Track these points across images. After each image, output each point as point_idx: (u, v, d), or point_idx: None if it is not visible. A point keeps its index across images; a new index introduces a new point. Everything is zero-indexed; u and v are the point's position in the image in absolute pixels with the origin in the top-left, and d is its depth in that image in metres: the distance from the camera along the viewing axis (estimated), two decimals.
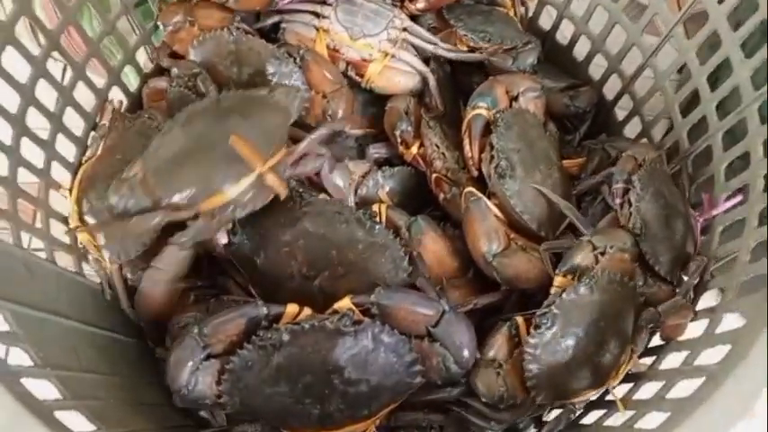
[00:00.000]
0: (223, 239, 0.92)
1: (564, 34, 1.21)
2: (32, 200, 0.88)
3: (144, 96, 1.05)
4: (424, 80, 1.10)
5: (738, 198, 0.89)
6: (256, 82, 1.01)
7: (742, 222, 0.86)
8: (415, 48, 1.12)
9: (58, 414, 0.61)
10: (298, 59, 1.02)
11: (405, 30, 1.10)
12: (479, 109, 0.98)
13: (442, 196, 1.01)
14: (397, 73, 1.10)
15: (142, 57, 1.09)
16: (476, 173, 0.97)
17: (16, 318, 0.69)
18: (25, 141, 0.86)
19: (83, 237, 0.91)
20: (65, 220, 0.92)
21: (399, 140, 1.04)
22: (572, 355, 0.81)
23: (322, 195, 0.97)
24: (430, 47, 1.12)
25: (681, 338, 0.85)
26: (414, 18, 1.13)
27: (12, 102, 0.84)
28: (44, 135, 0.91)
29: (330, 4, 1.09)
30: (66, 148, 0.95)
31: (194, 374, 0.76)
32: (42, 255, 0.86)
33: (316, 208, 0.93)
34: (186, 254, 0.87)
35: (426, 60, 1.12)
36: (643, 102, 1.11)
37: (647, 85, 1.08)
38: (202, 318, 0.89)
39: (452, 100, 1.15)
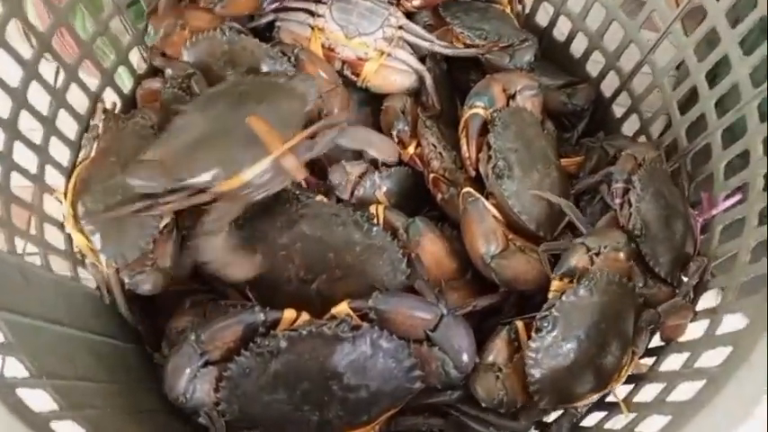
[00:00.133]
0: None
1: (561, 31, 1.21)
2: (26, 205, 0.86)
3: (138, 97, 1.04)
4: (421, 79, 1.10)
5: (737, 197, 0.89)
6: None
7: (742, 221, 0.85)
8: (411, 46, 1.11)
9: (54, 425, 0.60)
10: (292, 58, 1.01)
11: (400, 28, 1.09)
12: (476, 108, 0.98)
13: (439, 196, 1.01)
14: (393, 72, 1.09)
15: (135, 57, 1.07)
16: (473, 173, 0.97)
17: (11, 327, 0.68)
18: (18, 146, 0.85)
19: (79, 240, 0.90)
20: (60, 225, 0.91)
21: (396, 140, 1.04)
22: (574, 359, 0.80)
23: (319, 197, 0.96)
24: (426, 44, 1.11)
25: (681, 339, 0.85)
26: (410, 15, 1.12)
27: (3, 106, 0.83)
28: (37, 139, 0.89)
29: (325, 3, 1.08)
30: (60, 152, 0.94)
31: (192, 382, 0.75)
32: (37, 261, 0.85)
33: (312, 210, 0.93)
34: (223, 235, 0.85)
35: (422, 58, 1.12)
36: (641, 99, 1.10)
37: (645, 81, 1.08)
38: (200, 322, 0.89)
39: (449, 98, 1.14)
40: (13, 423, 0.55)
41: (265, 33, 1.12)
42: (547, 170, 0.96)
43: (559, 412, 0.85)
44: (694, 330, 0.83)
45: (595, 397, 0.82)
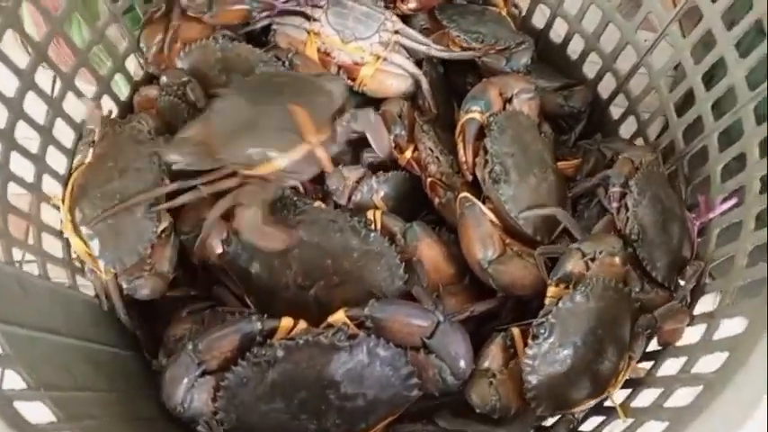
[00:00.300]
0: (218, 249, 0.92)
1: (558, 33, 1.20)
2: (24, 215, 0.87)
3: (135, 105, 1.04)
4: (417, 83, 1.10)
5: (734, 201, 0.89)
6: None
7: (739, 225, 0.85)
8: (408, 50, 1.11)
9: None
10: (286, 63, 1.01)
11: (396, 32, 1.09)
12: (473, 113, 0.98)
13: (437, 201, 1.01)
14: (389, 76, 1.09)
15: (132, 64, 1.07)
16: (470, 177, 0.97)
17: (8, 338, 0.68)
18: (14, 156, 0.85)
19: (77, 246, 0.90)
20: (58, 233, 0.91)
21: (393, 145, 1.04)
22: (571, 365, 0.80)
23: (317, 203, 0.96)
24: (422, 48, 1.11)
25: (678, 344, 0.85)
26: (406, 19, 1.12)
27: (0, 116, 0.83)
28: (34, 148, 0.89)
29: (321, 7, 1.08)
30: (57, 161, 0.94)
31: (190, 392, 0.75)
32: (35, 270, 0.85)
33: (310, 216, 0.93)
34: (258, 208, 0.86)
35: (419, 62, 1.12)
36: (638, 101, 1.10)
37: (642, 83, 1.08)
38: (198, 329, 0.89)
39: (446, 101, 1.14)
40: None
41: (261, 38, 1.12)
42: (543, 174, 0.96)
43: (556, 418, 0.84)
44: (691, 335, 0.83)
45: (592, 402, 0.82)
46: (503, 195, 0.91)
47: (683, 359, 0.80)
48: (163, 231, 0.91)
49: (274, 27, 1.10)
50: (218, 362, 0.77)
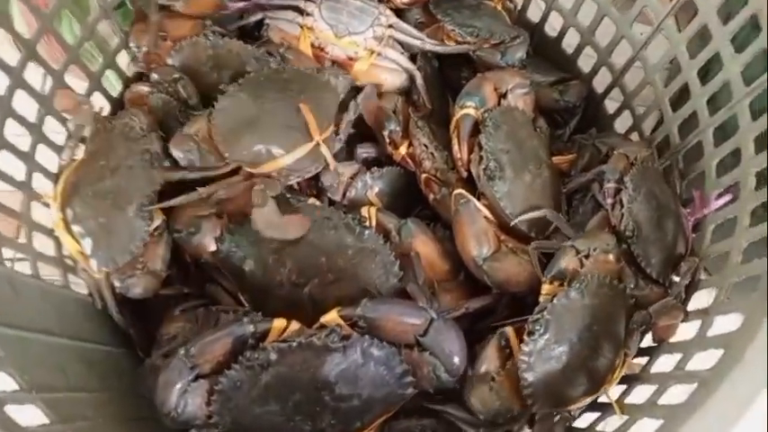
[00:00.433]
0: (211, 246, 0.91)
1: (553, 27, 1.20)
2: (14, 214, 0.86)
3: (126, 102, 1.03)
4: (412, 78, 1.09)
5: (728, 197, 0.88)
6: None
7: (733, 221, 0.85)
8: (402, 44, 1.10)
9: None
10: (279, 58, 1.01)
11: (390, 26, 1.08)
12: (467, 108, 0.97)
13: (431, 197, 1.00)
14: (383, 71, 1.08)
15: (124, 60, 1.06)
16: (465, 174, 0.96)
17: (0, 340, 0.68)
18: (4, 154, 0.85)
19: (69, 245, 0.89)
20: (49, 232, 0.90)
21: (388, 140, 1.03)
22: (567, 362, 0.80)
23: (311, 200, 0.96)
24: (417, 43, 1.10)
25: (673, 340, 0.84)
26: (400, 13, 1.12)
27: None
28: (24, 146, 0.89)
29: (314, 1, 1.07)
30: (48, 159, 0.93)
31: (183, 397, 0.75)
32: (27, 270, 0.84)
33: (304, 213, 0.92)
34: (270, 205, 0.87)
35: (413, 57, 1.11)
36: (633, 95, 1.09)
37: (637, 77, 1.07)
38: (191, 328, 0.89)
39: (440, 96, 1.14)
40: None
41: (254, 33, 1.11)
42: (538, 170, 0.95)
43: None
44: (686, 331, 0.83)
45: (589, 400, 0.81)
46: (498, 192, 0.91)
47: (677, 356, 0.80)
48: (155, 230, 0.90)
49: (267, 22, 1.10)
50: (211, 366, 0.77)
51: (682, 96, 0.99)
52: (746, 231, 0.82)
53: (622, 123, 1.15)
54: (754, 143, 0.85)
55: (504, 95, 1.01)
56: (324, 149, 0.92)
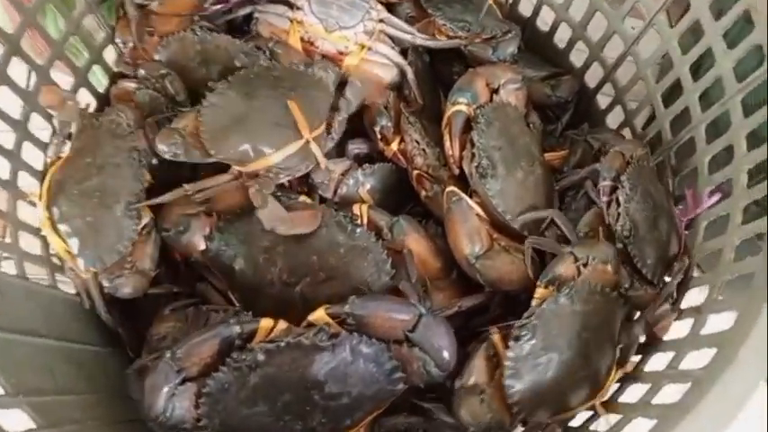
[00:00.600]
0: (200, 245, 0.90)
1: (544, 21, 1.19)
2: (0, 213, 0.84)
3: (112, 98, 1.01)
4: (403, 73, 1.08)
5: (719, 195, 0.88)
6: None
7: (726, 218, 0.84)
8: (393, 39, 1.09)
9: None
10: (267, 53, 0.99)
11: (381, 21, 1.07)
12: (459, 105, 0.96)
13: (423, 193, 1.00)
14: (374, 66, 1.07)
15: (111, 55, 1.05)
16: (457, 171, 0.95)
17: None
18: None
19: (56, 244, 0.88)
20: (35, 231, 0.89)
21: (379, 136, 1.02)
22: (555, 369, 0.78)
23: (302, 198, 0.95)
24: (408, 37, 1.09)
25: (666, 338, 0.84)
26: (391, 7, 1.10)
27: None
28: (9, 144, 0.87)
29: None
30: (33, 157, 0.91)
31: (171, 400, 0.74)
32: (13, 270, 0.83)
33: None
34: (272, 204, 0.86)
35: (404, 51, 1.10)
36: (625, 90, 1.09)
37: (629, 72, 1.07)
38: (181, 328, 0.88)
39: (432, 91, 1.13)
40: None
41: (243, 27, 1.10)
42: (531, 168, 0.95)
43: None
44: (679, 329, 0.83)
45: (579, 409, 0.80)
46: (490, 190, 0.90)
47: (670, 354, 0.80)
48: (143, 228, 0.89)
49: (256, 16, 1.08)
50: (198, 368, 0.76)
51: (674, 92, 0.99)
52: (739, 229, 0.82)
53: (614, 119, 1.14)
54: (747, 140, 0.84)
55: (496, 91, 1.00)
56: (314, 148, 0.90)
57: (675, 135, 0.99)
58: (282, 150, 0.88)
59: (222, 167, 0.90)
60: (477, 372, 0.81)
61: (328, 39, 1.05)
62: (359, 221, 0.92)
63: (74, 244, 0.86)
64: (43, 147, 0.93)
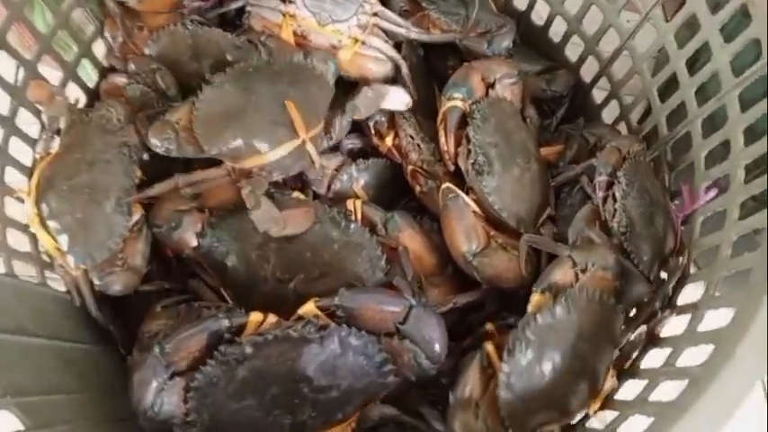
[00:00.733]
0: (192, 241, 0.89)
1: (539, 15, 1.18)
2: None
3: (102, 93, 1.00)
4: (397, 67, 1.06)
5: (715, 191, 0.87)
6: None
7: (723, 214, 0.84)
8: (387, 33, 1.08)
9: None
10: (260, 47, 0.98)
11: (375, 14, 1.06)
12: (455, 100, 0.95)
13: (418, 189, 0.99)
14: (367, 60, 1.06)
15: (100, 49, 1.03)
16: (452, 167, 0.94)
17: None
18: None
19: (45, 242, 0.86)
20: (24, 228, 0.87)
21: (373, 131, 1.01)
22: (550, 381, 0.76)
23: (295, 194, 0.93)
24: (402, 31, 1.07)
25: (663, 335, 0.84)
26: (384, 1, 1.09)
27: None
28: None
29: None
30: (22, 152, 0.90)
31: (159, 395, 0.73)
32: (1, 269, 0.82)
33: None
34: (265, 205, 0.84)
35: (398, 45, 1.08)
36: (621, 84, 1.08)
37: (625, 66, 1.06)
38: (173, 324, 0.87)
39: (426, 86, 1.12)
40: None
41: (235, 21, 1.08)
42: (527, 164, 0.94)
43: None
44: (676, 326, 0.82)
45: (577, 417, 0.79)
46: (486, 187, 0.89)
47: (667, 350, 0.79)
48: (134, 225, 0.88)
49: (248, 9, 1.06)
50: (187, 362, 0.75)
51: (670, 86, 0.98)
52: (736, 224, 0.81)
53: (610, 113, 1.14)
54: (744, 135, 0.84)
55: (491, 85, 0.99)
56: (310, 148, 0.89)
57: (671, 130, 0.98)
58: (278, 149, 0.87)
59: (216, 163, 0.89)
60: (470, 385, 0.78)
61: (321, 33, 1.03)
62: (353, 217, 0.91)
63: (63, 241, 0.85)
64: (32, 142, 0.91)
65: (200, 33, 0.98)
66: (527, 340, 0.76)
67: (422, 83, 1.10)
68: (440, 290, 0.92)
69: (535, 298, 0.80)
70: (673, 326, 0.83)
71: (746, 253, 0.76)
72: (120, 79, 0.96)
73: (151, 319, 0.88)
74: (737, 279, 0.76)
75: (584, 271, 0.81)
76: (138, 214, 0.89)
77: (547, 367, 0.76)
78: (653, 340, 0.85)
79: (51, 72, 0.95)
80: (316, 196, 0.99)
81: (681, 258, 0.88)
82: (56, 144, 0.91)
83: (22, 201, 0.88)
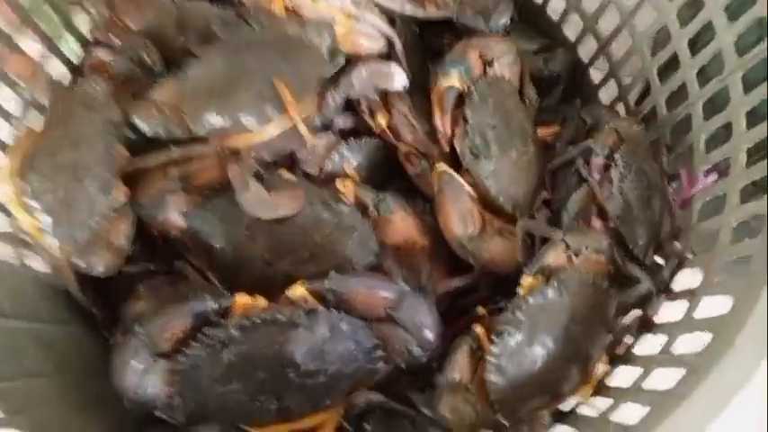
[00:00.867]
0: (178, 222, 0.87)
1: None
2: None
3: (86, 68, 0.96)
4: (390, 44, 1.03)
5: (715, 176, 0.85)
6: None
7: (723, 198, 0.82)
8: (380, 9, 1.05)
9: None
10: (250, 21, 0.95)
11: None
12: (452, 78, 0.92)
13: (411, 170, 0.96)
14: (360, 36, 1.02)
15: (84, 22, 0.99)
16: (448, 149, 0.92)
17: None
18: None
19: (25, 221, 0.84)
20: (2, 208, 0.85)
21: (366, 110, 0.98)
22: (541, 364, 0.75)
23: (286, 174, 0.91)
24: (396, 7, 1.04)
25: (659, 322, 0.82)
26: None
27: None
28: None
29: None
30: (1, 129, 0.87)
31: (142, 378, 0.71)
32: None
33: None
34: (254, 187, 0.82)
35: (392, 21, 1.05)
36: (620, 64, 1.05)
37: (624, 45, 1.03)
38: (157, 306, 0.84)
39: (421, 63, 1.08)
40: None
41: None
42: (524, 147, 0.92)
43: None
44: (673, 312, 0.80)
45: (571, 401, 0.78)
46: (483, 172, 0.87)
47: (663, 337, 0.78)
48: (119, 204, 0.85)
49: None
50: (170, 344, 0.73)
51: (670, 66, 0.95)
52: (737, 209, 0.79)
53: (608, 93, 1.11)
54: (746, 117, 0.82)
55: (489, 63, 0.97)
56: (301, 127, 0.86)
57: (671, 111, 0.96)
58: (267, 128, 0.84)
59: (204, 141, 0.86)
60: (459, 367, 0.77)
61: (314, 8, 1.00)
62: (344, 198, 0.89)
63: (45, 220, 0.82)
64: (12, 119, 0.88)
65: (187, 6, 0.95)
66: (517, 322, 0.74)
67: (416, 61, 1.07)
68: (432, 273, 0.90)
69: (527, 281, 0.78)
70: (669, 312, 0.82)
71: (747, 239, 0.74)
72: (104, 55, 0.93)
73: (134, 299, 0.86)
74: (737, 266, 0.74)
75: (577, 254, 0.79)
76: (121, 193, 0.86)
77: (537, 350, 0.75)
78: (647, 325, 0.83)
79: (32, 46, 0.92)
80: (306, 176, 0.96)
81: (677, 243, 0.86)
82: (37, 121, 0.88)
83: (1, 180, 0.85)
